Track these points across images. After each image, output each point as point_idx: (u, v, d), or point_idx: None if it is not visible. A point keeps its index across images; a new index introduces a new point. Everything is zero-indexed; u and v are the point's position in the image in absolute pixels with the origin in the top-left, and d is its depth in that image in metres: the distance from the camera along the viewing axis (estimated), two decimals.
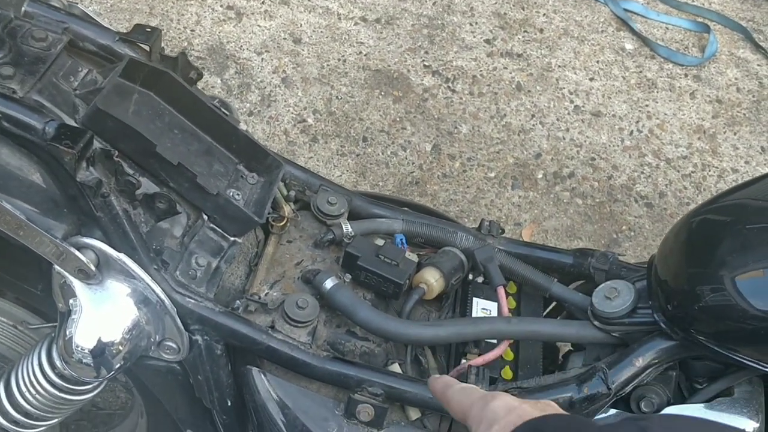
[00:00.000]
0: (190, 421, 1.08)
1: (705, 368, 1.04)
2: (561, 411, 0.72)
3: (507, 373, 1.07)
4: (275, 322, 1.01)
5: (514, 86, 2.48)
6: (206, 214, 1.01)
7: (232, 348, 1.00)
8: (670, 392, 1.05)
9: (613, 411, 1.05)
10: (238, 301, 1.02)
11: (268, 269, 1.09)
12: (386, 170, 2.23)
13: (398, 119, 2.33)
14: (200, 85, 2.26)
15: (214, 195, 0.99)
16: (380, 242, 1.12)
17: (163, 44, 1.13)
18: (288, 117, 2.26)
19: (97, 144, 0.92)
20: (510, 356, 1.09)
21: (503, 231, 1.22)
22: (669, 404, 1.04)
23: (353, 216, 1.18)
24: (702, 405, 1.03)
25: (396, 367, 1.04)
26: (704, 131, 2.47)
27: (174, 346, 0.97)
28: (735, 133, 2.48)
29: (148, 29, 1.06)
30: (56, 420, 1.03)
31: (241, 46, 2.36)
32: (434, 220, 1.20)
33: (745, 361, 0.96)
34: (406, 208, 1.24)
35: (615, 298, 1.04)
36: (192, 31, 2.37)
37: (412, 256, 1.12)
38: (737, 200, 1.06)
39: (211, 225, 1.02)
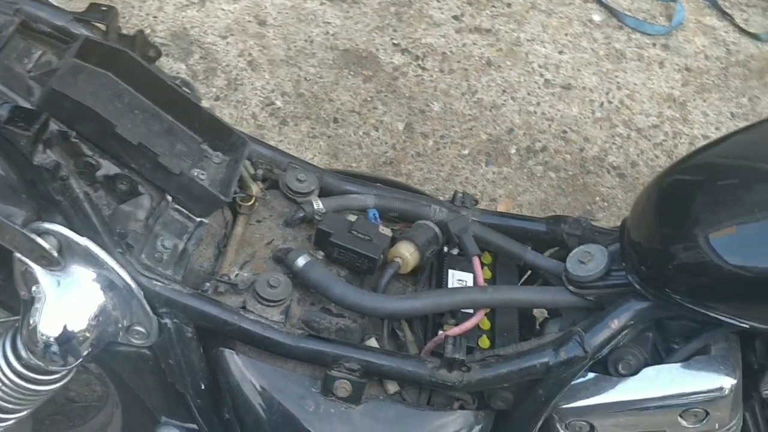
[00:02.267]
0: (164, 407, 1.06)
1: (681, 328, 1.04)
2: None
3: (484, 341, 1.06)
4: (247, 303, 0.99)
5: (484, 62, 2.47)
6: (170, 195, 0.99)
7: (204, 330, 0.98)
8: (647, 353, 1.04)
9: (591, 374, 1.04)
10: (207, 283, 1.00)
11: (238, 250, 1.07)
12: (359, 151, 2.21)
13: (369, 99, 2.31)
14: (165, 70, 2.22)
15: (177, 175, 0.96)
16: (353, 218, 1.11)
17: (125, 31, 1.10)
18: (255, 100, 2.23)
19: (53, 126, 0.89)
20: (486, 325, 1.08)
21: (477, 202, 1.21)
22: (646, 365, 1.03)
23: (324, 193, 1.16)
24: (679, 364, 1.03)
25: (373, 342, 1.03)
26: (674, 99, 2.48)
27: (143, 330, 0.95)
28: (705, 100, 2.49)
29: (104, 8, 1.03)
30: (25, 412, 1.00)
31: (205, 30, 2.33)
32: (407, 194, 1.18)
33: (720, 318, 0.95)
34: (378, 184, 1.23)
35: (588, 261, 1.04)
36: (154, 17, 2.32)
37: (386, 231, 1.11)
38: (706, 159, 1.06)
39: (176, 206, 1.00)
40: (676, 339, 1.05)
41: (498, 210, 2.19)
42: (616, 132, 2.39)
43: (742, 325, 0.95)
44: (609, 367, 1.04)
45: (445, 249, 1.15)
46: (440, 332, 1.04)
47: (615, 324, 1.00)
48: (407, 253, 1.09)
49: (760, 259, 0.92)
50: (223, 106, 2.20)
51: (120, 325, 0.94)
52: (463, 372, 0.99)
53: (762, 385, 1.03)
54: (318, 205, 1.11)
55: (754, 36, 2.68)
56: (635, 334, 1.04)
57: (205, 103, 2.10)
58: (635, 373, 1.03)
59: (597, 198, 2.27)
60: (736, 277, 0.92)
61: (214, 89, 2.23)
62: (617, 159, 2.34)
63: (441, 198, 1.22)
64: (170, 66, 2.23)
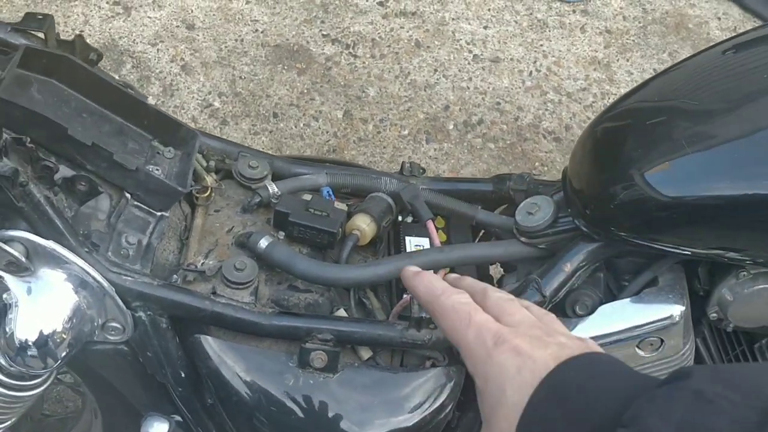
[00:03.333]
0: (147, 402, 1.08)
1: (629, 264, 1.11)
2: (594, 348, 0.64)
3: None
4: (216, 288, 1.02)
5: (413, 44, 2.52)
6: (129, 192, 1.01)
7: (178, 319, 1.01)
8: (600, 293, 1.11)
9: None
10: (175, 275, 1.02)
11: (200, 240, 1.09)
12: (302, 142, 2.24)
13: (305, 91, 2.34)
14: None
15: (133, 171, 0.98)
16: (308, 197, 1.14)
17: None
18: (193, 104, 2.24)
19: (6, 135, 0.90)
20: None
21: (424, 171, 1.25)
22: (601, 303, 1.10)
23: (276, 178, 1.19)
24: (631, 299, 1.09)
25: (342, 312, 1.07)
26: (599, 62, 2.57)
27: (118, 326, 0.97)
28: (627, 60, 2.59)
29: (40, 16, 1.05)
30: (9, 422, 1.01)
31: (134, 39, 2.32)
32: (357, 170, 1.22)
33: (664, 248, 1.02)
34: (327, 164, 1.26)
35: (536, 212, 1.09)
36: (81, 31, 2.31)
37: (342, 206, 1.14)
38: (632, 104, 1.12)
39: (136, 203, 1.02)
40: (625, 276, 1.12)
41: None
42: (547, 98, 2.47)
43: (684, 252, 1.02)
44: (567, 309, 1.10)
45: (400, 218, 1.20)
46: (405, 296, 1.09)
47: (567, 267, 1.06)
48: (364, 225, 1.13)
49: (691, 188, 0.99)
50: None
51: (95, 324, 0.95)
52: (431, 329, 1.03)
53: (708, 309, 1.11)
54: (273, 188, 1.14)
55: None
56: (588, 276, 1.10)
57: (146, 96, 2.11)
58: (592, 312, 1.09)
59: (537, 163, 2.34)
60: (672, 208, 0.99)
61: (150, 97, 2.22)
62: (551, 124, 2.42)
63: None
64: None
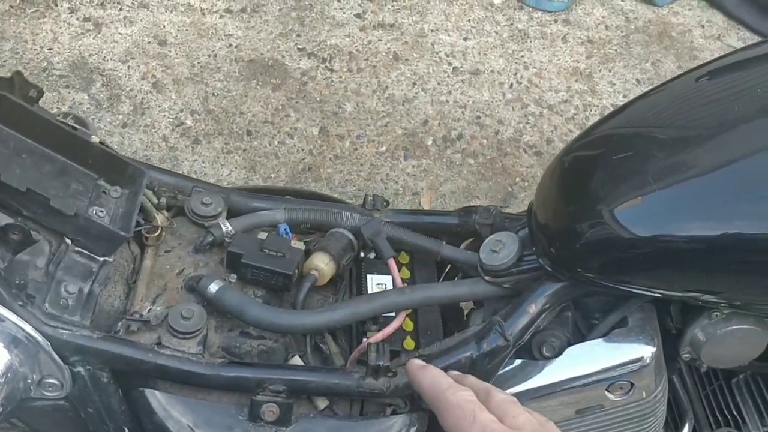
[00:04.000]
0: None
1: (598, 303, 1.06)
2: None
3: (409, 343, 1.06)
4: (161, 338, 0.97)
5: (391, 57, 2.47)
6: (69, 238, 0.96)
7: (121, 372, 0.96)
8: (568, 333, 1.06)
9: (517, 361, 1.05)
10: (119, 323, 0.97)
11: (149, 284, 1.04)
12: (276, 161, 2.19)
13: (280, 107, 2.29)
14: (67, 102, 2.17)
15: (72, 216, 0.93)
16: (263, 235, 1.09)
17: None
18: (165, 122, 2.19)
19: None
20: (410, 326, 1.08)
21: (388, 203, 1.20)
22: (569, 344, 1.05)
23: (233, 213, 1.14)
24: (600, 340, 1.04)
25: (297, 360, 1.02)
26: (580, 73, 2.52)
27: (55, 382, 0.92)
28: (610, 70, 2.54)
29: None
30: None
31: (105, 57, 2.27)
32: (318, 203, 1.17)
33: (633, 291, 0.97)
34: (288, 197, 1.21)
35: (500, 250, 1.04)
36: (50, 49, 2.25)
37: (299, 245, 1.09)
38: (603, 132, 1.07)
39: (77, 248, 0.97)
40: (595, 315, 1.07)
41: (421, 202, 2.20)
42: (528, 111, 2.42)
43: (654, 294, 0.97)
44: (534, 351, 1.05)
45: (362, 254, 1.15)
46: (364, 340, 1.04)
47: (532, 309, 1.01)
48: (322, 264, 1.08)
49: (663, 227, 0.94)
50: (131, 132, 2.15)
51: (30, 380, 0.90)
52: (390, 377, 0.98)
53: (681, 349, 1.06)
54: (226, 227, 1.09)
55: (649, 2, 2.75)
56: (555, 316, 1.05)
57: (113, 131, 2.05)
58: (559, 354, 1.04)
59: (517, 179, 2.30)
60: (642, 249, 0.94)
61: (121, 116, 2.17)
62: (532, 138, 2.37)
63: (352, 203, 1.22)
64: (72, 97, 2.17)
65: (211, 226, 1.10)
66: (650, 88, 1.10)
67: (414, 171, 2.25)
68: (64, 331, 0.91)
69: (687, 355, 1.06)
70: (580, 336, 1.07)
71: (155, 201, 1.11)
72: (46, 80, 2.18)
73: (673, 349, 1.08)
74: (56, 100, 2.16)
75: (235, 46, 2.39)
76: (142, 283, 1.04)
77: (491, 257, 1.05)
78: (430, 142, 2.32)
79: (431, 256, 1.15)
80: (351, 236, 1.13)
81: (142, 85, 2.24)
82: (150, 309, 1.01)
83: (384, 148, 2.27)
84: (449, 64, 2.48)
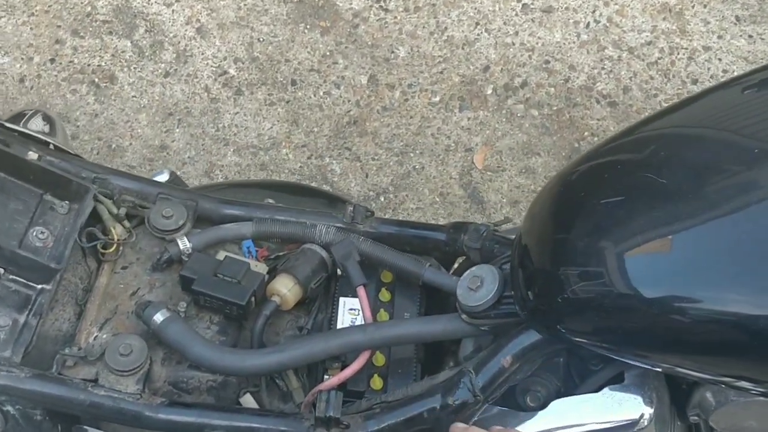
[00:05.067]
0: None
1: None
2: None
3: (376, 382, 0.96)
4: (99, 374, 0.91)
5: None
6: (1, 267, 0.90)
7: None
8: (558, 380, 0.92)
9: (496, 408, 0.93)
10: (58, 355, 0.91)
11: (100, 305, 0.98)
12: (320, 113, 2.07)
13: (328, 53, 2.15)
14: (109, 51, 2.11)
15: None
16: (222, 256, 1.00)
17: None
18: (207, 71, 2.10)
19: None
20: (381, 361, 0.97)
21: (372, 213, 1.08)
22: (558, 395, 0.92)
23: (202, 219, 1.06)
24: (590, 395, 0.90)
25: (248, 398, 0.94)
26: (669, 9, 2.22)
27: None
28: (704, 6, 2.23)
29: None
30: None
31: (149, 0, 2.18)
32: (292, 213, 1.06)
33: (627, 361, 0.82)
34: (269, 200, 1.11)
35: (478, 288, 0.91)
36: None
37: (260, 267, 1.00)
38: (614, 157, 0.88)
39: (11, 276, 0.91)
40: (591, 361, 0.93)
41: (474, 159, 2.04)
42: (604, 55, 2.17)
43: (655, 369, 0.81)
44: (517, 397, 0.93)
45: (339, 272, 1.04)
46: (326, 377, 0.94)
47: (507, 361, 0.88)
48: (285, 290, 0.98)
49: (672, 289, 0.76)
50: (173, 82, 2.08)
51: None
52: (342, 429, 0.89)
53: (688, 410, 0.90)
54: (184, 244, 1.00)
55: None
56: (544, 360, 0.92)
57: (154, 81, 2.00)
58: (544, 405, 0.91)
59: (586, 133, 2.09)
60: (642, 313, 0.77)
61: (163, 65, 2.10)
62: (607, 86, 2.13)
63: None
64: (114, 45, 2.11)
65: (170, 241, 1.01)
66: (676, 102, 0.89)
67: (469, 124, 2.08)
68: None
69: (695, 418, 0.91)
70: (572, 384, 0.93)
71: (114, 211, 1.03)
72: (89, 26, 2.13)
73: (680, 407, 0.92)
74: (99, 48, 2.10)
75: None
76: (93, 304, 0.98)
77: (468, 296, 0.91)
78: (489, 91, 2.12)
79: (413, 279, 1.02)
80: (324, 254, 1.02)
81: (185, 30, 2.15)
82: (96, 336, 0.95)
83: (437, 99, 2.10)
84: (518, 0, 2.24)
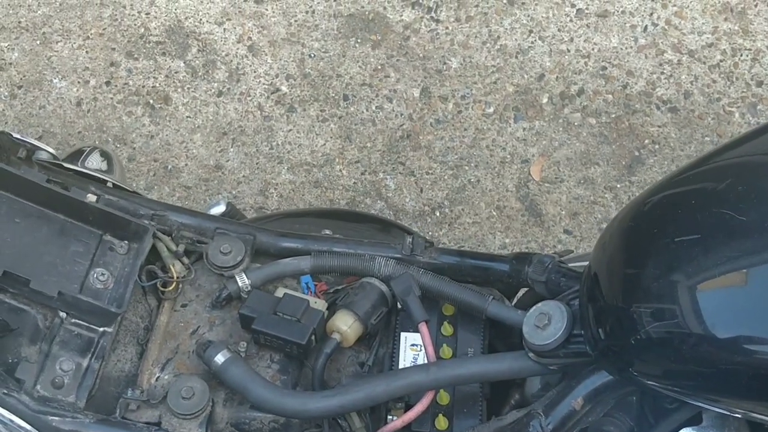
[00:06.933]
0: None
1: None
2: None
3: (441, 422, 0.93)
4: (162, 417, 0.91)
5: (504, 1, 2.21)
6: (63, 311, 0.90)
7: None
8: (632, 420, 0.88)
9: None
10: (121, 399, 0.91)
11: (161, 345, 0.98)
12: (373, 128, 2.05)
13: (380, 67, 2.13)
14: (163, 72, 2.12)
15: (58, 296, 0.87)
16: (281, 293, 0.98)
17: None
18: (260, 89, 2.10)
19: None
20: (445, 400, 0.95)
21: (431, 244, 1.05)
22: None
23: (260, 254, 1.04)
24: None
25: None
26: (731, 9, 2.14)
27: None
28: None
29: None
30: None
31: (200, 19, 2.19)
32: (350, 245, 1.04)
33: (703, 406, 0.78)
34: (327, 231, 1.09)
35: (546, 326, 0.87)
36: (147, 14, 2.20)
37: (319, 303, 0.98)
38: (692, 186, 0.83)
39: (73, 320, 0.91)
40: (666, 399, 0.88)
41: (531, 171, 2.00)
42: (664, 59, 2.10)
43: (734, 414, 0.77)
44: None
45: (399, 305, 1.01)
46: (389, 418, 0.92)
47: (578, 403, 0.84)
48: (345, 327, 0.96)
49: (754, 329, 0.72)
50: (226, 101, 2.08)
51: None
52: None
53: None
54: (243, 281, 0.99)
55: None
56: (620, 398, 0.88)
57: (208, 100, 2.00)
58: None
59: (646, 141, 2.02)
60: (723, 358, 0.73)
61: (216, 84, 2.11)
62: (667, 91, 2.06)
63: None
64: (168, 65, 2.13)
65: (229, 278, 1.00)
66: (753, 128, 0.84)
67: (525, 135, 2.03)
68: (54, 417, 0.86)
69: None
70: (647, 424, 0.89)
71: (173, 248, 1.03)
72: (143, 48, 2.15)
73: None
74: (153, 69, 2.12)
75: (335, 0, 2.23)
76: (154, 344, 0.98)
77: (535, 334, 0.88)
78: (545, 100, 2.07)
79: (476, 314, 0.99)
80: (383, 288, 1.00)
81: (237, 48, 2.15)
82: (158, 377, 0.95)
83: (491, 109, 2.06)
84: (572, 5, 2.19)
